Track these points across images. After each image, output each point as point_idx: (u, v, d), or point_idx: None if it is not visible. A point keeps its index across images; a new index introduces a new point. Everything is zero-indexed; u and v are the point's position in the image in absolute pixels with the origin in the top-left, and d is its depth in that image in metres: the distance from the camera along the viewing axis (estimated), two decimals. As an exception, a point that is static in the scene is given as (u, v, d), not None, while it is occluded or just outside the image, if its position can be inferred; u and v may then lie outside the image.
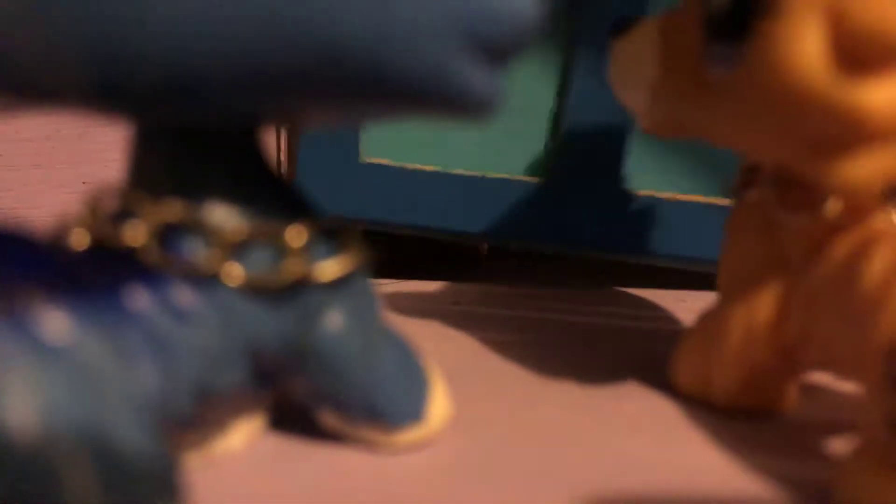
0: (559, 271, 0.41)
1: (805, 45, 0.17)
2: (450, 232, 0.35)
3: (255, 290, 0.18)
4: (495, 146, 0.34)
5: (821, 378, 0.25)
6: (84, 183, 0.36)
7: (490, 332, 0.30)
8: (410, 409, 0.20)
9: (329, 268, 0.19)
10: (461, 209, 0.34)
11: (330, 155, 0.34)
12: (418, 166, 0.34)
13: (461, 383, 0.24)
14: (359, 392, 0.20)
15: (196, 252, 0.17)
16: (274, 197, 0.19)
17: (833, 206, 0.21)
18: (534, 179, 0.33)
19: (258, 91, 0.16)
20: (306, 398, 0.20)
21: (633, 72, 0.23)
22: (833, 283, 0.20)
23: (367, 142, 0.34)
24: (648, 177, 0.33)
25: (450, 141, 0.34)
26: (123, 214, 0.18)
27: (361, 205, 0.34)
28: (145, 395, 0.16)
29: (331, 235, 0.19)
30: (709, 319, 0.24)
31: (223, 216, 0.18)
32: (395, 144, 0.34)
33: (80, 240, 0.17)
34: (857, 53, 0.17)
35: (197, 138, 0.18)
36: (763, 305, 0.22)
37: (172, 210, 0.17)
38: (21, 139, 0.36)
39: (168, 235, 0.17)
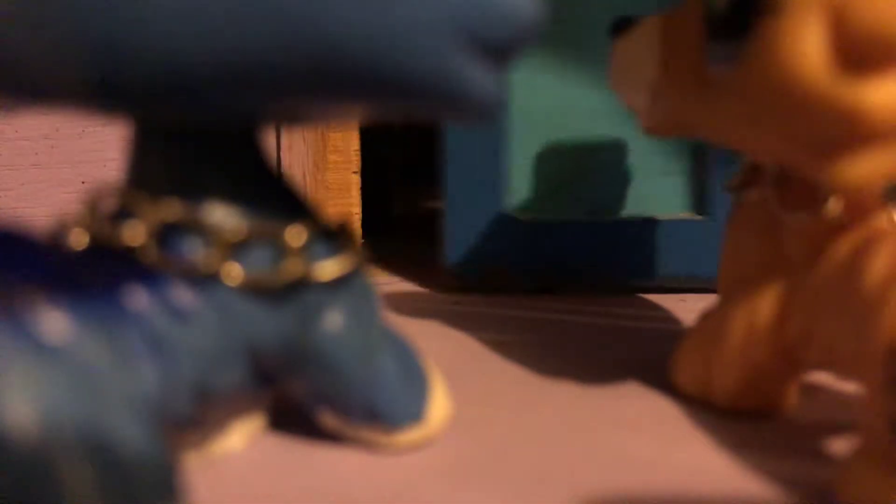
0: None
1: (805, 45, 0.17)
2: (604, 277, 0.35)
3: (255, 290, 0.18)
4: (645, 188, 0.35)
5: (821, 378, 0.25)
6: (83, 182, 0.36)
7: (490, 332, 0.30)
8: (410, 409, 0.20)
9: (328, 268, 0.19)
10: (612, 254, 0.35)
11: (477, 210, 0.34)
12: (565, 218, 0.34)
13: (461, 383, 0.24)
14: (358, 392, 0.20)
15: (195, 252, 0.17)
16: (273, 197, 0.19)
17: (834, 206, 0.21)
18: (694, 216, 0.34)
19: (258, 90, 0.16)
20: (306, 398, 0.20)
21: (634, 72, 0.23)
22: (834, 282, 0.20)
23: (514, 197, 0.35)
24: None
25: (593, 188, 0.35)
26: (122, 214, 0.18)
27: (512, 259, 0.34)
28: (145, 395, 0.16)
29: (330, 235, 0.19)
30: (709, 319, 0.24)
31: (222, 216, 0.18)
32: (540, 197, 0.35)
33: (79, 239, 0.17)
34: (857, 53, 0.17)
35: (197, 138, 0.18)
36: (764, 305, 0.22)
37: (171, 210, 0.17)
38: (20, 138, 0.36)
39: (167, 235, 0.17)
